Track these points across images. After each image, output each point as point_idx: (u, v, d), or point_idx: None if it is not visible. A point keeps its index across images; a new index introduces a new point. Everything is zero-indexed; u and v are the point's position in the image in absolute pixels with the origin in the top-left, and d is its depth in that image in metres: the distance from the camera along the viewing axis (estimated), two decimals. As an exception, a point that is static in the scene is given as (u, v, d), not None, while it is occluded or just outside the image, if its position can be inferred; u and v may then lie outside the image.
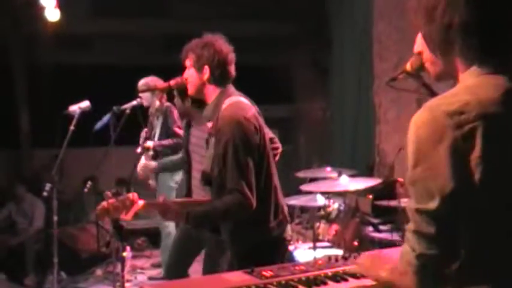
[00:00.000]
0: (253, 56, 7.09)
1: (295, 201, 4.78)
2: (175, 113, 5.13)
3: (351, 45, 7.51)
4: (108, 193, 2.45)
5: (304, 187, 4.61)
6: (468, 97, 1.24)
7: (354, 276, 2.02)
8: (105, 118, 4.43)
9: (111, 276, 5.00)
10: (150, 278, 5.84)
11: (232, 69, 2.76)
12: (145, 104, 4.87)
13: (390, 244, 4.31)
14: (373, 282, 1.65)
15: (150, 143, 5.07)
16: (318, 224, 4.80)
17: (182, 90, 2.95)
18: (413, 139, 1.26)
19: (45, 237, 5.94)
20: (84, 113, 4.47)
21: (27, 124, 8.41)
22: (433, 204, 1.22)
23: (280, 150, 3.17)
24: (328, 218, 4.87)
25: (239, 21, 7.87)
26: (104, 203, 2.44)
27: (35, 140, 8.27)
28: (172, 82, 2.94)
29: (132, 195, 2.49)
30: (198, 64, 2.71)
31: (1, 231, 6.44)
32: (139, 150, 4.97)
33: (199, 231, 3.32)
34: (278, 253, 2.68)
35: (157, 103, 5.16)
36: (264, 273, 2.08)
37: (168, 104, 5.14)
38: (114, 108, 4.35)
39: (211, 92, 2.73)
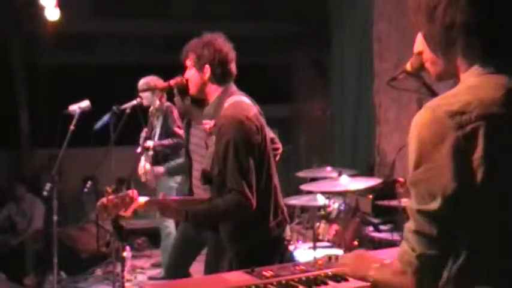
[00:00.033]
0: (253, 55, 7.09)
1: (295, 201, 4.78)
2: (176, 113, 5.13)
3: (351, 45, 7.51)
4: (108, 188, 2.45)
5: (305, 187, 4.61)
6: (469, 97, 1.23)
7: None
8: (105, 118, 4.42)
9: (111, 276, 4.99)
10: (150, 278, 5.83)
11: (233, 67, 2.76)
12: (145, 103, 4.86)
13: (390, 244, 4.30)
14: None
15: (150, 143, 5.07)
16: (318, 224, 4.81)
17: (182, 90, 2.95)
18: (415, 140, 1.25)
19: (45, 237, 5.93)
20: (84, 113, 4.46)
21: (27, 124, 8.39)
22: (434, 205, 1.22)
23: (280, 150, 3.16)
24: (328, 218, 4.87)
25: (239, 21, 7.86)
26: (104, 199, 2.44)
27: (35, 140, 8.25)
28: (172, 81, 2.94)
29: (132, 192, 2.49)
30: (198, 64, 2.71)
31: (1, 231, 6.44)
32: (139, 150, 4.97)
33: (199, 230, 3.33)
34: (278, 253, 2.68)
35: (157, 103, 5.17)
36: (264, 273, 2.07)
37: (168, 103, 5.14)
38: (114, 107, 4.34)
39: (213, 91, 2.73)
